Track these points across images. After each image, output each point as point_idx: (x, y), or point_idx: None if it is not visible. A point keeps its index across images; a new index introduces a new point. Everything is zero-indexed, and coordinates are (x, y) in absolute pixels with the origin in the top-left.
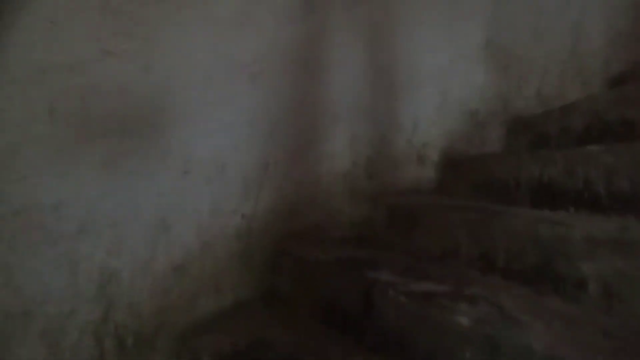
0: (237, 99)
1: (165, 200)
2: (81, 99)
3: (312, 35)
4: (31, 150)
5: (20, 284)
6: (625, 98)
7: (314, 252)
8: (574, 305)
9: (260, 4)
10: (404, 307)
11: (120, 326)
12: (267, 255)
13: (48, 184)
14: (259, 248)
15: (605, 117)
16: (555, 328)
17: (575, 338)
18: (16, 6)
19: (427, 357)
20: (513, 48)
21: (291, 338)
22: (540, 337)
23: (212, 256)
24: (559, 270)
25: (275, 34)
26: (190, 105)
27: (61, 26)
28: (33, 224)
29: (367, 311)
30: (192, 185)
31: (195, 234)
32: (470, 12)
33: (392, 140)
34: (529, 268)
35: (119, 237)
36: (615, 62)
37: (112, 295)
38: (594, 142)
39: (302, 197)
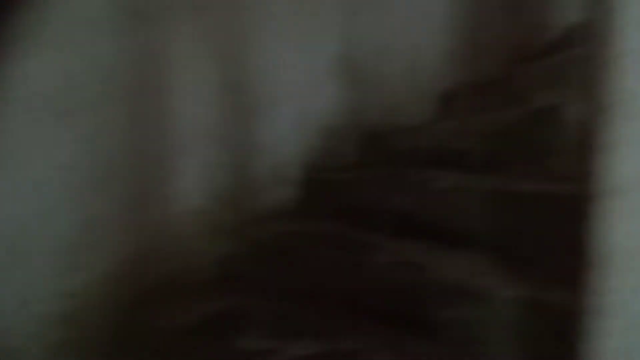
0: (41, 147)
1: None
2: None
3: (147, 53)
4: None
5: None
6: (461, 129)
7: (169, 314)
8: (444, 350)
9: (66, 8)
10: None
11: None
12: (108, 333)
13: None
14: (95, 329)
15: (446, 145)
16: None
17: None
18: None
19: None
20: (365, 63)
21: None
22: None
23: None
24: (423, 313)
25: (92, 51)
26: None
27: None
28: None
29: None
30: None
31: None
32: (324, 27)
33: (252, 164)
34: (396, 310)
35: None
36: (447, 80)
37: None
38: (439, 167)
39: (150, 248)
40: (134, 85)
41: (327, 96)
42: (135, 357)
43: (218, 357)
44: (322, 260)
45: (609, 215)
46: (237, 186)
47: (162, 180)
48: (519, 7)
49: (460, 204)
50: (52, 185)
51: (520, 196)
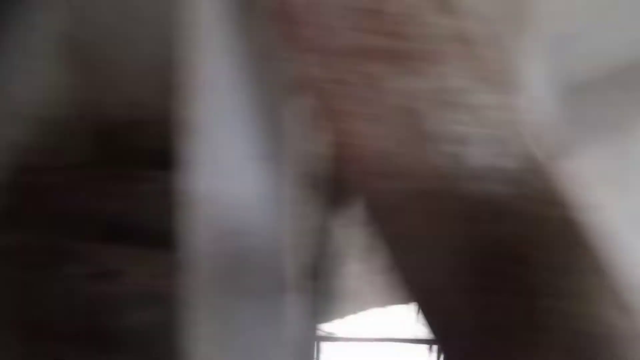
0: None
1: None
2: None
3: None
4: None
5: None
6: None
7: None
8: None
9: None
10: None
11: None
12: None
13: None
14: None
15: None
16: None
17: None
18: None
19: None
20: (101, 48)
21: None
22: None
23: None
24: (116, 324)
25: None
26: None
27: None
28: None
29: None
30: None
31: None
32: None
33: None
34: (89, 325)
35: None
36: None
37: None
38: (160, 168)
39: None
40: None
41: (50, 83)
42: None
43: None
44: (12, 281)
45: (190, 221)
46: None
47: None
48: None
49: (165, 205)
50: None
51: None
